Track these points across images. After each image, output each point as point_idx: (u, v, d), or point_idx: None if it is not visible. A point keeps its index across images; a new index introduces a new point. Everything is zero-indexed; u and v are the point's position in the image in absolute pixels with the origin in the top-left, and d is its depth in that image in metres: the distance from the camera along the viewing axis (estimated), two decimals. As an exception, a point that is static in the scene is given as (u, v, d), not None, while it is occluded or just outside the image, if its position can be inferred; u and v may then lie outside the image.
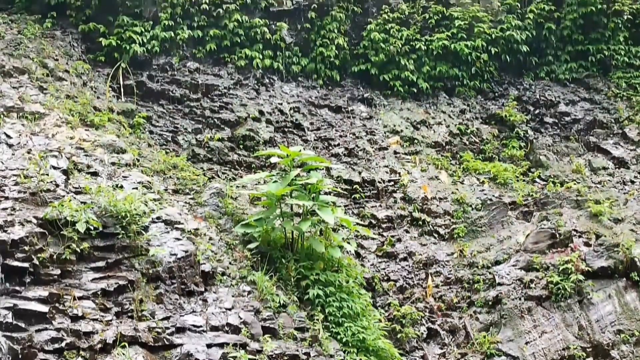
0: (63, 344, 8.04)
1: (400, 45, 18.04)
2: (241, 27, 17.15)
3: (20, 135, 11.25)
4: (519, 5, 19.11)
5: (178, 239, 10.12)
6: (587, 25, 19.12)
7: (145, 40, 16.24)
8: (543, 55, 19.31)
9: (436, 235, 14.39)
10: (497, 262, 13.55)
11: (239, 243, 11.42)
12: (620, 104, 18.45)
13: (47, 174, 10.05)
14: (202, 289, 9.86)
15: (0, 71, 13.22)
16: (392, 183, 15.29)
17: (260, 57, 17.19)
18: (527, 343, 12.27)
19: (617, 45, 19.11)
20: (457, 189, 15.28)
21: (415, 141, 16.87)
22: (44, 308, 8.16)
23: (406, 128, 17.14)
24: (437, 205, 14.85)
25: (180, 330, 9.00)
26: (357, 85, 18.14)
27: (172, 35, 16.52)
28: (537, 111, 18.34)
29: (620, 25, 19.10)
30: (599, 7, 18.88)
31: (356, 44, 18.33)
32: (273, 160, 13.04)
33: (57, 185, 10.04)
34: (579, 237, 13.83)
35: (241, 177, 14.28)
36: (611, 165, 16.93)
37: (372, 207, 14.80)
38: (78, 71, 14.90)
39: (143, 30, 16.32)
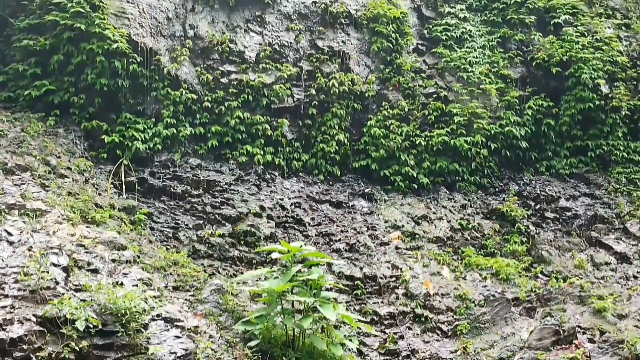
0: None
1: (401, 141, 18.19)
2: (243, 123, 17.32)
3: (21, 232, 11.23)
4: (517, 101, 19.34)
5: (178, 337, 10.01)
6: (585, 121, 19.33)
7: (147, 138, 16.36)
8: (542, 151, 19.45)
9: (439, 332, 14.20)
10: (502, 360, 13.39)
11: (239, 341, 11.27)
12: (621, 199, 18.48)
13: (47, 272, 10.00)
14: (202, 389, 9.70)
15: (3, 169, 13.26)
16: (394, 279, 15.18)
17: (262, 153, 17.31)
18: None
19: (616, 141, 19.27)
20: (460, 285, 15.17)
21: (417, 236, 16.82)
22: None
23: (407, 223, 17.11)
24: (440, 302, 14.70)
25: None
26: (358, 180, 18.21)
27: (174, 132, 16.66)
28: (537, 206, 18.35)
29: (618, 121, 19.31)
30: (597, 104, 19.13)
31: (357, 139, 18.47)
32: (274, 256, 12.98)
33: (57, 283, 9.98)
34: (583, 333, 13.67)
35: (242, 273, 14.17)
36: (613, 260, 16.83)
37: (374, 303, 14.65)
38: (80, 168, 14.97)
39: (145, 127, 16.46)
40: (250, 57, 18.03)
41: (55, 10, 16.21)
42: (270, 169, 17.43)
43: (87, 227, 12.50)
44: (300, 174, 17.75)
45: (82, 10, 16.09)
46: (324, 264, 14.03)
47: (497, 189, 18.83)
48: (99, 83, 16.10)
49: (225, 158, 17.12)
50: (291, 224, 16.41)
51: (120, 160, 15.81)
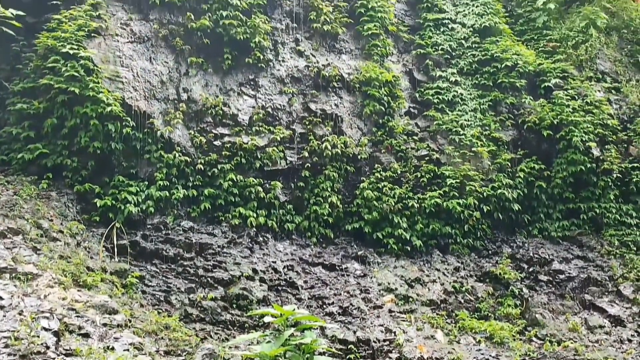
0: None
1: (393, 203, 18.21)
2: (236, 186, 17.33)
3: (12, 296, 11.14)
4: (509, 164, 19.44)
5: (169, 403, 9.87)
6: (577, 184, 19.42)
7: (140, 200, 16.34)
8: (535, 213, 19.50)
9: (434, 397, 14.06)
10: None
11: (231, 407, 11.12)
12: (614, 262, 18.48)
13: (38, 336, 9.90)
14: None
15: (-6, 232, 13.24)
16: (387, 342, 15.03)
17: (255, 215, 17.29)
18: None
19: (608, 204, 19.34)
20: (454, 349, 15.03)
21: (410, 299, 16.73)
22: None
23: (401, 286, 17.04)
24: (434, 366, 14.57)
25: None
26: (351, 243, 18.17)
27: (167, 194, 16.65)
28: (531, 269, 18.32)
29: (610, 184, 19.39)
30: (589, 166, 19.25)
31: (349, 202, 18.48)
32: (267, 319, 12.81)
33: (48, 347, 9.86)
34: (579, 397, 13.56)
35: (234, 337, 14.04)
36: (607, 323, 16.74)
37: (368, 367, 14.51)
38: (72, 231, 14.92)
39: (138, 190, 16.45)
40: (243, 120, 18.12)
41: (49, 74, 16.32)
42: (263, 231, 17.39)
43: (78, 290, 12.41)
44: (293, 236, 17.71)
45: (76, 74, 16.20)
46: (317, 328, 13.91)
47: (490, 252, 18.81)
48: (92, 146, 16.14)
49: (218, 221, 17.09)
50: (284, 287, 16.32)
51: (113, 223, 15.77)
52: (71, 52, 16.37)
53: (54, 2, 17.53)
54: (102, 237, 15.44)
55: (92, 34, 17.04)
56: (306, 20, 19.95)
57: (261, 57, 18.81)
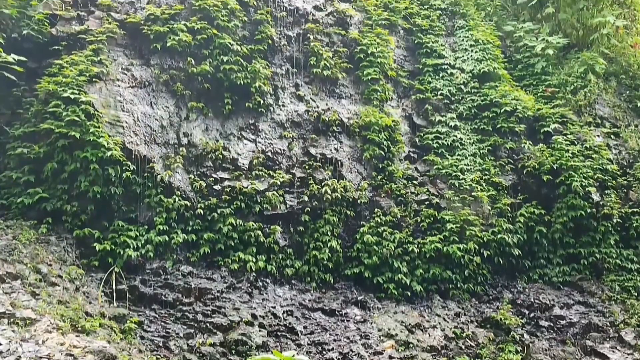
0: None
1: (393, 248, 18.16)
2: (235, 230, 17.29)
3: (10, 341, 11.07)
4: (509, 209, 19.42)
5: None
6: (577, 229, 19.39)
7: (139, 245, 16.30)
8: (535, 258, 19.44)
9: None
10: None
11: None
12: (615, 307, 18.39)
13: (35, 383, 9.82)
14: None
15: (-7, 277, 13.19)
16: (387, 389, 14.93)
17: (254, 260, 17.22)
18: None
19: (608, 249, 19.29)
20: (455, 396, 14.93)
21: (411, 345, 16.61)
22: None
23: (401, 332, 16.93)
24: (435, 413, 14.44)
25: None
26: (351, 288, 18.08)
27: (167, 239, 16.61)
28: (532, 314, 18.22)
29: (610, 229, 19.36)
30: (589, 211, 19.23)
31: (349, 246, 18.43)
32: (266, 366, 12.76)
33: (45, 395, 9.79)
34: None
35: (233, 384, 13.95)
36: (610, 369, 16.64)
37: (368, 415, 14.37)
38: (71, 276, 14.87)
39: (138, 234, 16.41)
40: (243, 164, 18.15)
41: (50, 119, 16.37)
42: (263, 276, 17.32)
43: (77, 336, 12.33)
44: (292, 281, 17.62)
45: (77, 118, 16.25)
46: (317, 375, 13.83)
47: (490, 297, 18.72)
48: (92, 191, 16.14)
49: (217, 265, 17.02)
50: (283, 333, 16.22)
51: (112, 268, 15.72)
52: (72, 96, 16.45)
53: (56, 47, 17.64)
54: (101, 282, 15.37)
55: (93, 79, 17.12)
56: (306, 66, 20.08)
57: (261, 101, 18.90)
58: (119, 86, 17.54)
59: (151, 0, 19.08)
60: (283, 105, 19.37)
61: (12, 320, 11.89)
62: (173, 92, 18.19)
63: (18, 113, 17.11)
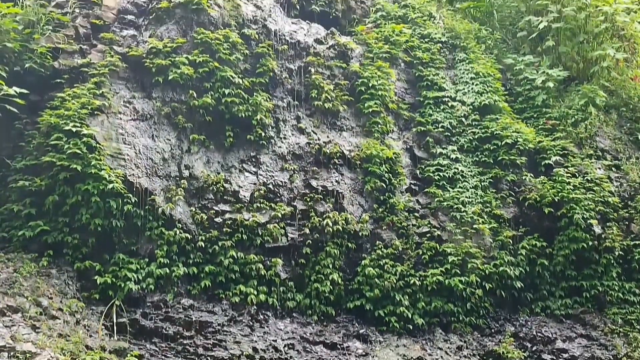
0: None
1: (395, 281, 18.10)
2: (236, 263, 17.26)
3: (9, 376, 11.04)
4: (511, 241, 19.38)
5: None
6: (579, 262, 19.34)
7: (140, 278, 16.26)
8: (537, 291, 19.36)
9: None
10: None
11: None
12: (618, 340, 18.30)
13: (34, 418, 9.77)
14: None
15: (-6, 310, 13.16)
16: None
17: (255, 293, 17.17)
18: None
19: (611, 281, 19.22)
20: None
21: (413, 379, 16.54)
22: None
23: (403, 365, 16.88)
24: None
25: None
26: (352, 321, 18.01)
27: (168, 272, 16.57)
28: (534, 348, 18.12)
29: (612, 262, 19.31)
30: (590, 244, 19.18)
31: (351, 279, 18.37)
32: (267, 401, 12.72)
33: None
34: None
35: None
36: (613, 405, 16.54)
37: None
38: (72, 309, 14.83)
39: (138, 267, 16.38)
40: (244, 196, 18.15)
41: (52, 152, 16.41)
42: (264, 309, 17.25)
43: (77, 370, 12.29)
44: (294, 314, 17.56)
45: (78, 151, 16.28)
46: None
47: (493, 330, 18.63)
48: (93, 223, 16.14)
49: (218, 298, 16.97)
50: (284, 367, 16.16)
51: (112, 301, 15.67)
52: (74, 129, 16.49)
53: (58, 80, 17.73)
54: (101, 315, 15.32)
55: (95, 112, 17.19)
56: (307, 98, 20.15)
57: (263, 134, 18.96)
58: (120, 119, 17.60)
59: (153, 33, 19.19)
60: (284, 138, 19.41)
61: (12, 353, 11.86)
62: (175, 124, 18.25)
63: (20, 146, 17.14)
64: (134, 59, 18.55)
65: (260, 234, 17.69)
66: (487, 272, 18.71)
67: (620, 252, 19.56)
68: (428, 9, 23.98)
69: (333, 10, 22.88)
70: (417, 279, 18.37)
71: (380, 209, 19.18)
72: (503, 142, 20.70)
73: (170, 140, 18.07)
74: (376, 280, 18.03)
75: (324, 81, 20.33)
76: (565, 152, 20.93)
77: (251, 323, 16.78)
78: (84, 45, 18.60)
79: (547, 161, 20.68)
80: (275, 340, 16.59)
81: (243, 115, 18.68)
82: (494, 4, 26.22)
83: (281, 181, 18.74)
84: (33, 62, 17.55)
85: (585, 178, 20.37)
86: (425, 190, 20.04)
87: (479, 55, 22.98)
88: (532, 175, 20.47)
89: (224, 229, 17.45)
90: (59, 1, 19.34)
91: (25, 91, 16.53)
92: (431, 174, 20.17)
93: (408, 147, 20.75)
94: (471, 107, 21.61)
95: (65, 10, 19.11)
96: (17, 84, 16.57)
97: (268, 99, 19.42)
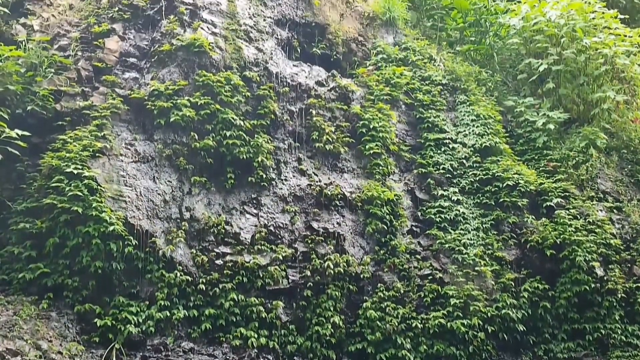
0: None
1: (397, 324, 17.98)
2: (237, 306, 17.17)
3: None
4: (513, 284, 19.27)
5: None
6: (582, 304, 19.22)
7: (140, 321, 16.16)
8: (540, 334, 19.21)
9: None
10: None
11: None
12: (622, 385, 18.19)
13: None
14: None
15: (-8, 354, 13.07)
16: None
17: (256, 336, 17.05)
18: None
19: (613, 324, 19.08)
20: None
21: None
22: None
23: (405, 410, 16.70)
24: None
25: None
26: (354, 364, 17.90)
27: (168, 314, 16.48)
28: (538, 392, 17.99)
29: (615, 304, 19.19)
30: (593, 287, 19.09)
31: (352, 322, 18.24)
32: None
33: None
34: None
35: None
36: None
37: None
38: (71, 353, 14.72)
39: (139, 310, 16.29)
40: (245, 238, 18.12)
41: (53, 194, 16.41)
42: (265, 352, 17.12)
43: (75, 415, 12.17)
44: (295, 357, 17.42)
45: (79, 193, 16.28)
46: None
47: (496, 374, 18.52)
48: (93, 266, 16.09)
49: (219, 341, 16.85)
50: (286, 413, 16.03)
51: (112, 344, 15.57)
52: (75, 171, 16.52)
53: (60, 122, 17.79)
54: (101, 359, 15.21)
55: (97, 154, 17.23)
56: (308, 140, 20.20)
57: (264, 175, 18.98)
58: (122, 161, 17.64)
59: (155, 76, 19.28)
60: (285, 180, 19.43)
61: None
62: (176, 166, 18.27)
63: (21, 188, 17.15)
64: (135, 101, 18.64)
65: (261, 276, 17.62)
66: (489, 314, 18.59)
67: (623, 295, 19.45)
68: (428, 52, 24.11)
69: (334, 53, 23.00)
70: (419, 321, 18.26)
71: (381, 251, 19.12)
72: (504, 184, 20.69)
73: (171, 182, 18.09)
74: (378, 323, 17.91)
75: (325, 123, 20.40)
76: (567, 194, 20.90)
77: (252, 367, 16.68)
78: (86, 88, 18.70)
79: (548, 203, 20.65)
80: (276, 384, 16.48)
81: (244, 157, 18.72)
82: (494, 47, 26.44)
83: (282, 223, 18.72)
84: (35, 105, 17.63)
85: (587, 220, 20.33)
86: (427, 232, 20.00)
87: (479, 98, 23.07)
88: (533, 217, 20.43)
89: (225, 271, 17.38)
90: (62, 44, 19.49)
91: (27, 133, 16.59)
92: (432, 216, 20.14)
93: (409, 188, 20.74)
94: (472, 149, 21.64)
95: (67, 53, 19.25)
96: (19, 126, 16.64)
97: (269, 141, 19.47)
